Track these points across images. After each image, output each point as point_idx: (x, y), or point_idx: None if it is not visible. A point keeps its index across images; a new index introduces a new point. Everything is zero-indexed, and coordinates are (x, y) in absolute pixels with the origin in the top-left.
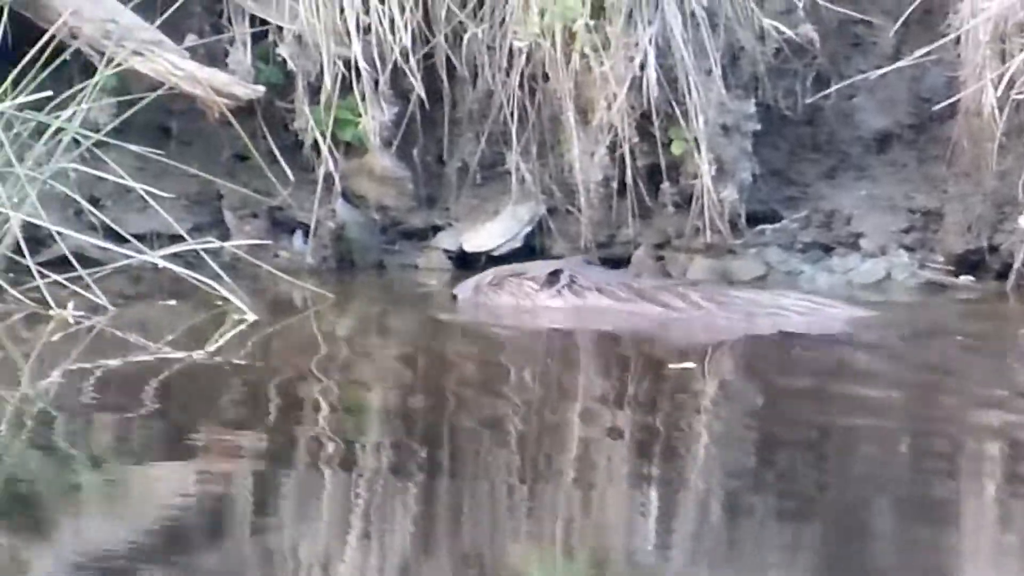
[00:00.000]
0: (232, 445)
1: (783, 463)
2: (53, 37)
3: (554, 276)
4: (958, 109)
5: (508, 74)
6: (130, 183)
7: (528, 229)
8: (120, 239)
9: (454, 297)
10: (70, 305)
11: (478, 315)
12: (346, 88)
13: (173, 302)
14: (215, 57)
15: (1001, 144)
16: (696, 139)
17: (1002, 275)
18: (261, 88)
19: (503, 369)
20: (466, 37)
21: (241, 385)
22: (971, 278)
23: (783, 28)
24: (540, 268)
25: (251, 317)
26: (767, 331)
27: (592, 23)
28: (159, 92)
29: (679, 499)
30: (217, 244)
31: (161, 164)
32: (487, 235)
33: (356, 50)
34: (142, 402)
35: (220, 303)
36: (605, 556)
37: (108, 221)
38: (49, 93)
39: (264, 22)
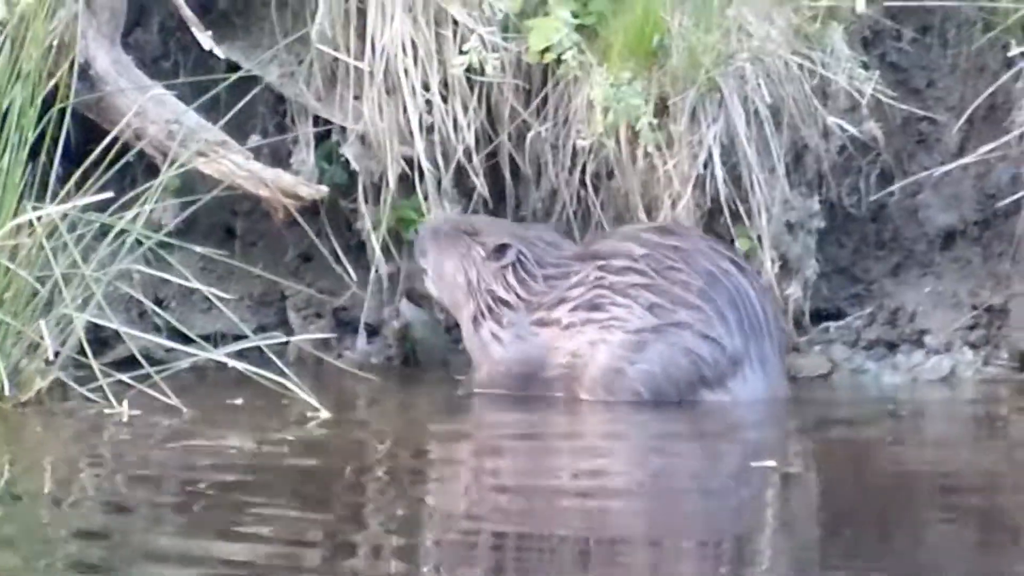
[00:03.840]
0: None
1: None
2: (117, 138)
3: (501, 250)
4: (1023, 205)
5: (572, 172)
6: (195, 284)
7: None
8: (186, 340)
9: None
10: (124, 403)
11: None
12: (409, 187)
13: (239, 400)
14: (279, 157)
15: None
16: (760, 237)
17: None
18: (325, 188)
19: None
20: (529, 136)
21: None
22: None
23: (847, 126)
24: (496, 231)
25: (324, 413)
26: None
27: (656, 121)
28: (222, 192)
29: None
30: (282, 339)
31: (226, 265)
32: None
33: (419, 149)
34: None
35: (286, 401)
36: None
37: (173, 321)
38: (112, 194)
39: (327, 122)
